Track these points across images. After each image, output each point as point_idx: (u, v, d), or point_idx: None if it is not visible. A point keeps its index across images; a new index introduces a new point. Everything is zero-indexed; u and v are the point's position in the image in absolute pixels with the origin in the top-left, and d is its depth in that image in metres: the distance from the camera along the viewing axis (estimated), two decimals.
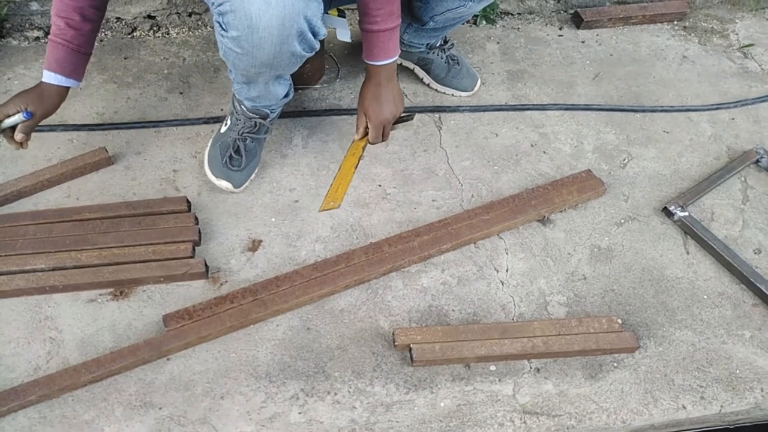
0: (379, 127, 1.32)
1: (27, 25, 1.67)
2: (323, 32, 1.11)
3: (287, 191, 1.41)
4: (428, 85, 1.66)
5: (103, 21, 1.68)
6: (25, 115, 1.19)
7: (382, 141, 1.36)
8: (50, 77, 1.20)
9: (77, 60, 1.22)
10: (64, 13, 1.17)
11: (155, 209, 1.31)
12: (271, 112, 1.35)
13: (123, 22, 1.72)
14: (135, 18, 1.72)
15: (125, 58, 1.66)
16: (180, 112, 1.55)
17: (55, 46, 1.19)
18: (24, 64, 1.61)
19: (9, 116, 1.19)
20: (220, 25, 1.05)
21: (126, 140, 1.47)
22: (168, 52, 1.69)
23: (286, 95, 1.35)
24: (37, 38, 1.67)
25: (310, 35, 1.08)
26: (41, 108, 1.21)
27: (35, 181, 1.34)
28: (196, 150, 1.46)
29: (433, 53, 1.60)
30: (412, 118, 1.38)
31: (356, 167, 1.43)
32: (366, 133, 1.35)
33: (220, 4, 1.02)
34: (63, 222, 1.28)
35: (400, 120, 1.35)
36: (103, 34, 1.71)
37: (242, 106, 1.32)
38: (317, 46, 1.13)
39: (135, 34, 1.72)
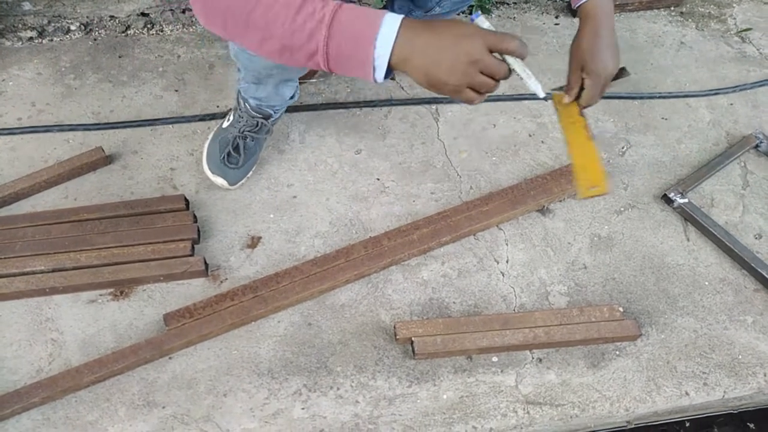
0: (602, 85, 1.05)
1: (20, 26, 1.66)
2: None
3: (285, 187, 1.41)
4: None
5: (97, 20, 1.69)
6: (474, 16, 0.86)
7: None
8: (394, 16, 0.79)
9: None
10: None
11: (153, 208, 1.31)
12: (275, 113, 1.35)
13: (117, 21, 1.71)
14: (129, 16, 1.71)
15: (120, 57, 1.65)
16: (176, 110, 1.54)
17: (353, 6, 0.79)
18: (18, 65, 1.60)
19: (492, 38, 0.80)
20: None
21: (122, 139, 1.47)
22: (162, 50, 1.68)
23: (292, 96, 1.34)
24: (31, 38, 1.66)
25: None
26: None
27: (32, 182, 1.34)
28: (192, 147, 1.46)
29: None
30: (629, 74, 1.14)
31: (592, 138, 1.10)
32: (577, 96, 1.07)
33: None
34: (61, 223, 1.27)
35: (617, 76, 1.09)
36: (96, 33, 1.70)
37: (247, 104, 1.32)
38: None
39: (129, 32, 1.71)
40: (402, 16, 0.79)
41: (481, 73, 0.80)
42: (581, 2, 1.05)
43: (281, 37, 0.79)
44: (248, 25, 0.79)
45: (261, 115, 1.33)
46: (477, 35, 0.79)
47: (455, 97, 0.84)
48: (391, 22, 0.77)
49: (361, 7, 0.79)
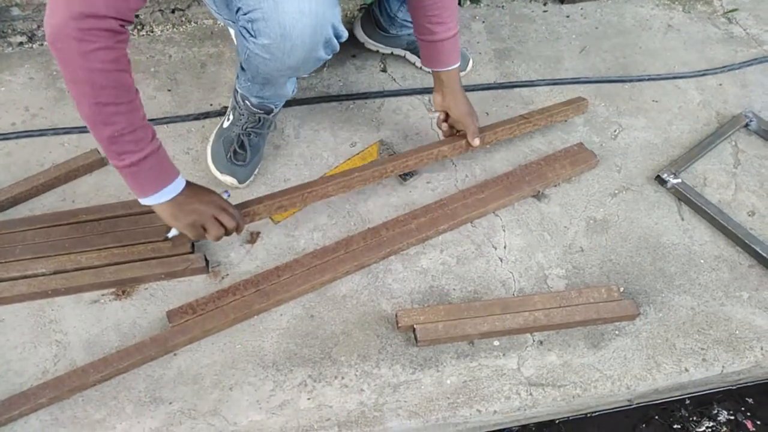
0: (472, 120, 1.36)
1: (9, 31, 1.66)
2: (345, 35, 1.11)
3: (282, 182, 1.41)
4: (420, 67, 1.66)
5: None
6: (226, 194, 1.19)
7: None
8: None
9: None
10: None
11: None
12: (276, 107, 1.35)
13: None
14: None
15: None
16: (169, 110, 1.54)
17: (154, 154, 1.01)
18: (9, 71, 1.60)
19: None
20: (249, 32, 1.04)
21: None
22: (153, 50, 1.68)
23: (293, 90, 1.36)
24: (21, 43, 1.66)
25: (335, 40, 1.09)
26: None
27: (29, 186, 1.34)
28: (188, 146, 1.46)
29: None
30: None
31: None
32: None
33: (250, 11, 1.01)
34: (60, 225, 1.28)
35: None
36: None
37: (247, 102, 1.31)
38: (338, 48, 1.13)
39: None
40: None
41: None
42: (436, 69, 1.32)
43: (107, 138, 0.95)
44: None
45: (263, 111, 1.33)
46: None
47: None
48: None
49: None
